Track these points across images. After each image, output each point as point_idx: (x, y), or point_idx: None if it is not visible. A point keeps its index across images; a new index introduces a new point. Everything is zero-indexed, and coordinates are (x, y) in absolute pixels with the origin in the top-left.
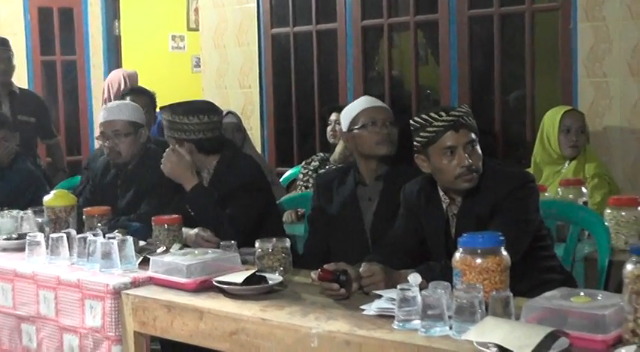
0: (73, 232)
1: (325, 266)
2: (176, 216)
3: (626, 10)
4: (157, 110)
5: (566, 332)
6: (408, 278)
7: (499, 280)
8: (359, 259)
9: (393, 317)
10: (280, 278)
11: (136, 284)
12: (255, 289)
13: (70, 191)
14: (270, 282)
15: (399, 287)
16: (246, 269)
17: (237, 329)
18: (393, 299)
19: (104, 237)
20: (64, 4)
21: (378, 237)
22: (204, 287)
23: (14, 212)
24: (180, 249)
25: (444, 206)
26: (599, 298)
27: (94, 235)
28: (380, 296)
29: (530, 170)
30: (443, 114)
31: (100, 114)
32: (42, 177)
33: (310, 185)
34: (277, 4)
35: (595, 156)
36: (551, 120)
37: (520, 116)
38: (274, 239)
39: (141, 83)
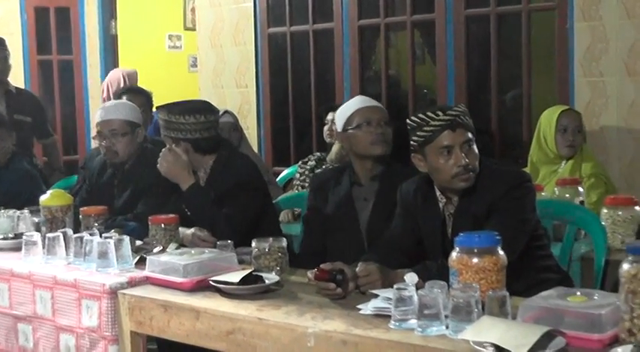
0: (70, 232)
1: (322, 265)
2: (173, 215)
3: (623, 9)
4: (154, 109)
5: (563, 332)
6: (405, 277)
7: (495, 279)
8: (355, 259)
9: (389, 316)
10: (277, 278)
11: (132, 283)
12: (252, 289)
13: (66, 190)
14: (267, 282)
15: (395, 286)
16: (243, 269)
17: (234, 329)
18: (390, 299)
19: (101, 236)
20: (60, 4)
21: (374, 237)
22: (201, 287)
23: (11, 211)
24: (177, 248)
25: (441, 205)
26: (595, 297)
27: (91, 235)
28: (376, 296)
29: (527, 169)
30: (440, 113)
31: (96, 113)
32: (38, 176)
33: (307, 185)
34: (274, 4)
35: (591, 156)
36: (548, 119)
37: (517, 115)
38: (271, 238)
39: (138, 82)
